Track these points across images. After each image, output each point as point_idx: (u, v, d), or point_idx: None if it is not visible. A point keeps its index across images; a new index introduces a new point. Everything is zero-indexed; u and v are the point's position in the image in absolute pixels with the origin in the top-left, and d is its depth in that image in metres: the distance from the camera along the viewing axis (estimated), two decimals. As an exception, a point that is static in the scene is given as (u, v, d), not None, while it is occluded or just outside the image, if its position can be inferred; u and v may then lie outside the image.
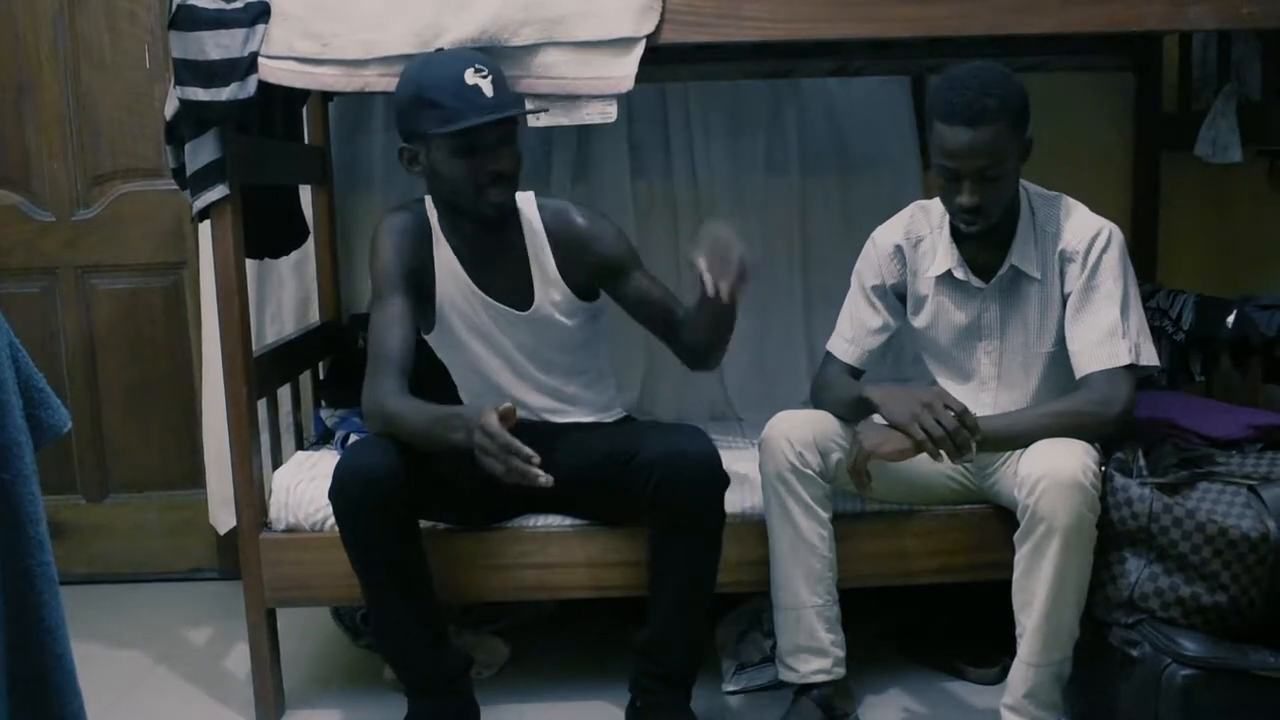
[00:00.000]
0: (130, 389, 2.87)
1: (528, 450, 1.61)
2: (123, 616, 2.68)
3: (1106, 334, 1.82)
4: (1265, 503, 1.72)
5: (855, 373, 2.04)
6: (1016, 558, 1.76)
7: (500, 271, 1.99)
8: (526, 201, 2.01)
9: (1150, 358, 1.85)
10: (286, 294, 2.76)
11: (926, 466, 1.92)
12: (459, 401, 2.07)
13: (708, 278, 1.72)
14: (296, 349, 2.47)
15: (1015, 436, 1.81)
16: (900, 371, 2.68)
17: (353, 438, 2.27)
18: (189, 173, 1.98)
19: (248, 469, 2.05)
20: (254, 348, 2.15)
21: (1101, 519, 1.75)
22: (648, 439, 1.87)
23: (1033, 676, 1.77)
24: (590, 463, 1.92)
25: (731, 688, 2.17)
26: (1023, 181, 1.92)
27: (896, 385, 1.89)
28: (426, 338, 2.06)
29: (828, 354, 2.07)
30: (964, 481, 2.05)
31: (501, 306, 1.99)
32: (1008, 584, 1.78)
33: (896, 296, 2.03)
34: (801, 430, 1.90)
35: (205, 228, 2.28)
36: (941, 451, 1.76)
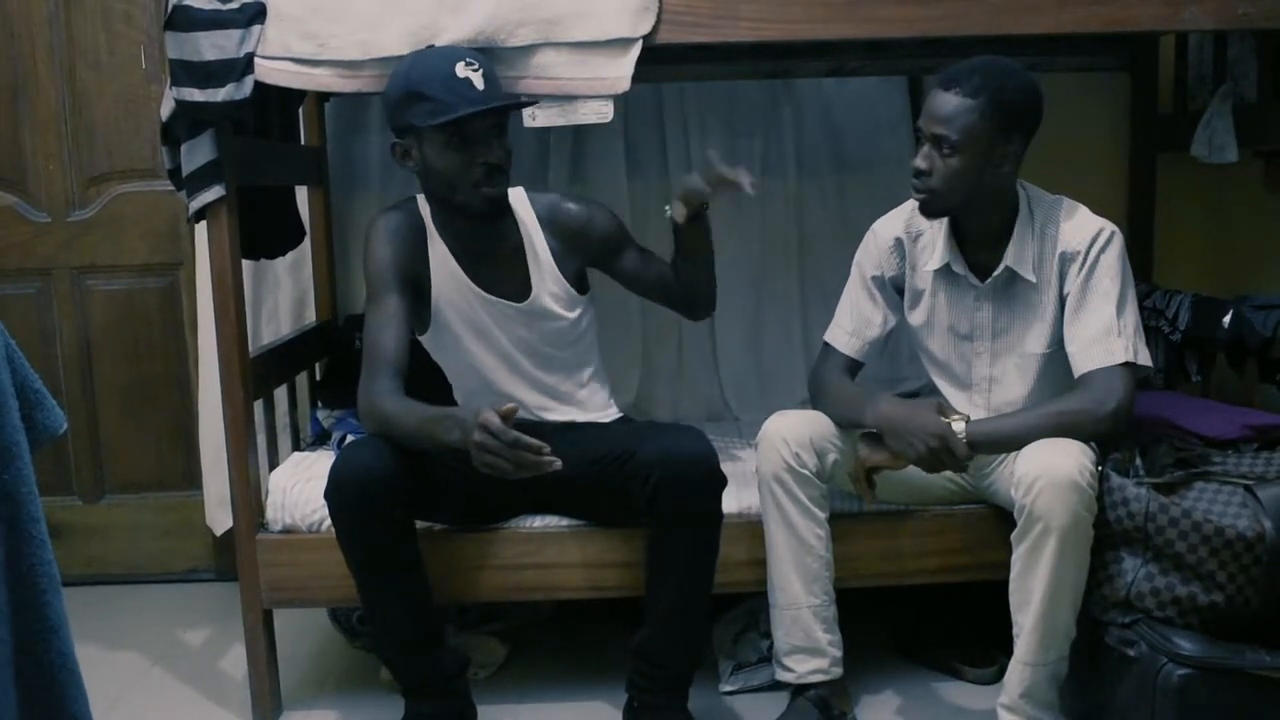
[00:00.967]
0: (126, 390, 2.86)
1: (535, 441, 1.61)
2: (119, 618, 2.67)
3: (1103, 332, 1.82)
4: (1261, 502, 1.72)
5: (854, 365, 2.03)
6: (1013, 558, 1.76)
7: (496, 266, 1.99)
8: (518, 196, 2.03)
9: (1144, 359, 1.85)
10: (283, 295, 2.75)
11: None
12: (454, 402, 2.07)
13: (724, 171, 1.88)
14: (293, 350, 2.47)
15: (1012, 437, 1.80)
16: (897, 371, 2.69)
17: (349, 438, 2.27)
18: (185, 174, 1.97)
19: (244, 470, 2.05)
20: (250, 348, 2.15)
21: (1098, 519, 1.75)
22: (645, 439, 1.87)
23: (1029, 676, 1.77)
24: (587, 463, 1.92)
25: (729, 688, 2.16)
26: (1023, 183, 1.92)
27: (897, 400, 1.88)
28: (421, 339, 2.06)
29: (826, 346, 2.05)
30: (961, 482, 2.05)
31: (498, 301, 2.00)
32: (1005, 584, 1.79)
33: (895, 289, 2.03)
34: (798, 431, 1.90)
35: (201, 229, 2.28)
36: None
